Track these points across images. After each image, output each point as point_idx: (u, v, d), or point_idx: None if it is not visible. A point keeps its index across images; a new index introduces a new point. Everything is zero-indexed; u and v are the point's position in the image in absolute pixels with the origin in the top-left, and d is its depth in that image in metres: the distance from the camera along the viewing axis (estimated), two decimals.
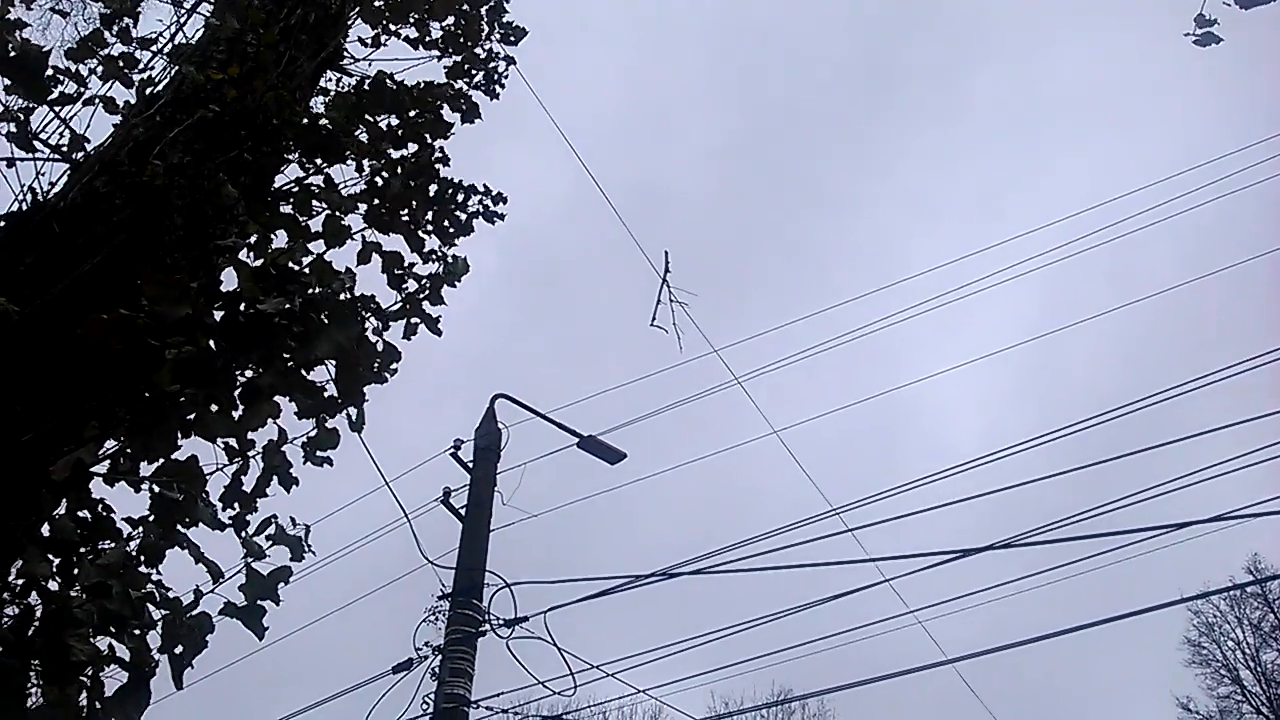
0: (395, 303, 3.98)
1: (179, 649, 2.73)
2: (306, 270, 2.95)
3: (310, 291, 2.77)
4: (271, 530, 3.22)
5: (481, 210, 4.44)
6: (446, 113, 4.48)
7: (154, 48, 3.62)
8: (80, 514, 2.70)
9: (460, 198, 4.37)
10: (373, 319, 3.62)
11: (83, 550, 2.66)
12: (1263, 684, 31.43)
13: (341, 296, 2.84)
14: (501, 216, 4.50)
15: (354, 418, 3.24)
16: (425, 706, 8.27)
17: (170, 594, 2.79)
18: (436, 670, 8.46)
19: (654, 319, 10.37)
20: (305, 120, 3.81)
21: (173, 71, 3.59)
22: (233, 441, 2.99)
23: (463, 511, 9.68)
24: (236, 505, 3.22)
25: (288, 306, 2.66)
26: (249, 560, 3.08)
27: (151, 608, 2.70)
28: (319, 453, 3.27)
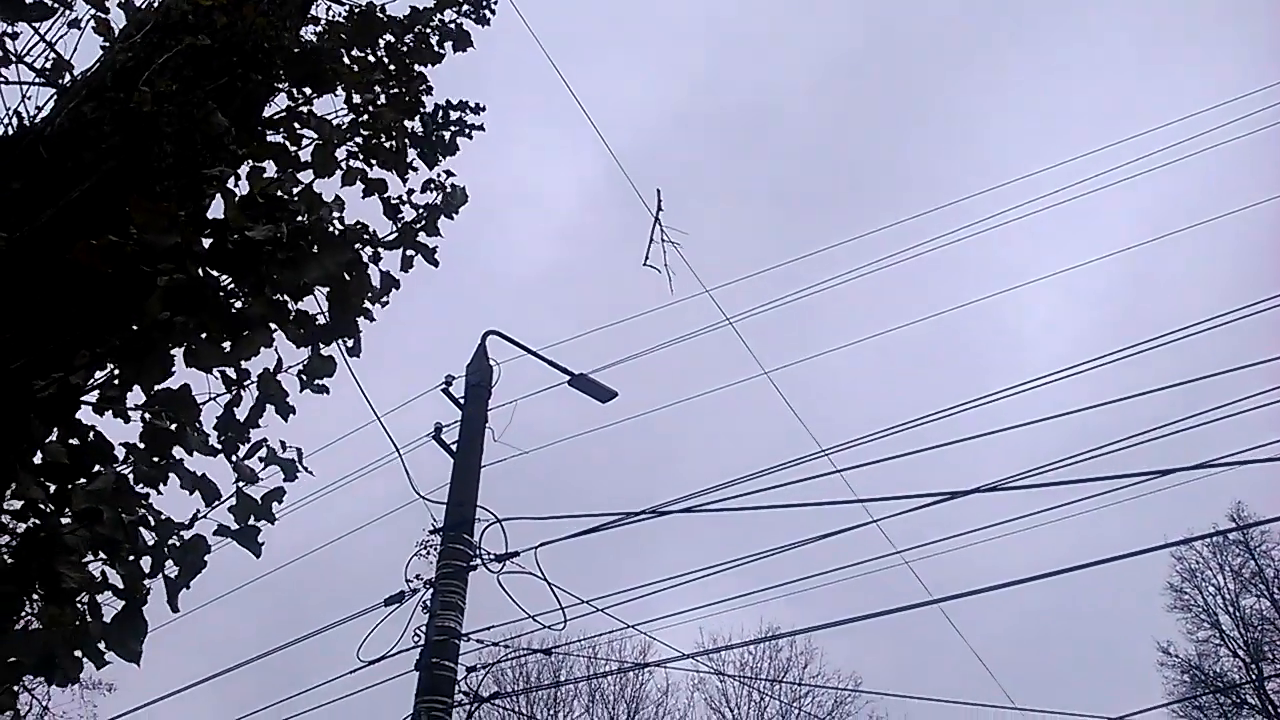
0: (390, 232, 3.96)
1: (174, 572, 2.75)
2: (295, 198, 2.92)
3: (299, 220, 2.76)
4: (263, 453, 3.23)
5: (460, 126, 4.42)
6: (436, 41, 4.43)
7: None
8: (71, 441, 2.71)
9: (441, 117, 4.35)
10: (367, 248, 3.60)
11: (78, 480, 2.67)
12: (1241, 628, 31.95)
13: (331, 225, 2.82)
14: (481, 128, 4.48)
15: (350, 345, 3.23)
16: (417, 639, 8.37)
17: (164, 517, 2.80)
18: (428, 603, 8.56)
19: (647, 258, 10.34)
20: (296, 49, 3.77)
21: None
22: (229, 371, 3.00)
23: (454, 447, 9.73)
24: (230, 433, 3.23)
25: (276, 235, 2.65)
26: (240, 484, 3.09)
27: (145, 532, 2.72)
28: (316, 380, 3.27)
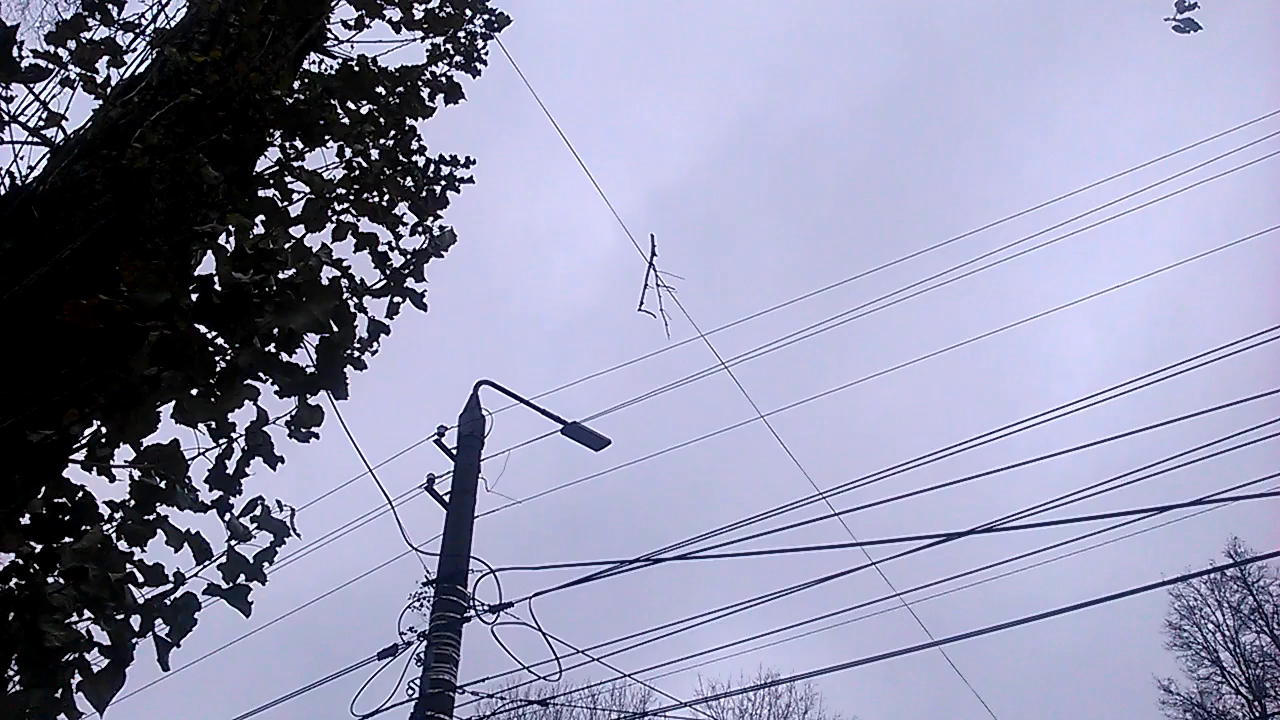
0: (378, 281, 3.98)
1: (164, 631, 2.72)
2: (285, 249, 2.94)
3: (289, 272, 2.76)
4: (257, 512, 3.21)
5: (448, 180, 4.46)
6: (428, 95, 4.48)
7: (135, 31, 3.59)
8: (59, 500, 2.69)
9: (432, 171, 4.39)
10: (353, 297, 3.61)
11: (65, 539, 2.65)
12: (1241, 665, 31.77)
13: (321, 276, 2.83)
14: (470, 180, 4.52)
15: (335, 392, 3.23)
16: (411, 692, 8.29)
17: (153, 565, 2.78)
18: (422, 656, 8.48)
19: (641, 303, 10.37)
20: (288, 101, 3.80)
21: (154, 54, 3.57)
22: (214, 424, 2.99)
23: (447, 498, 9.68)
24: (221, 489, 3.22)
25: (265, 286, 2.65)
26: (233, 543, 3.07)
27: (133, 590, 2.69)
28: (303, 430, 3.26)
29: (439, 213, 4.34)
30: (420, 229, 4.22)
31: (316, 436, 3.32)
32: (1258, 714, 30.35)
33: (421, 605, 8.92)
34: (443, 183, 4.46)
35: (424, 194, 4.34)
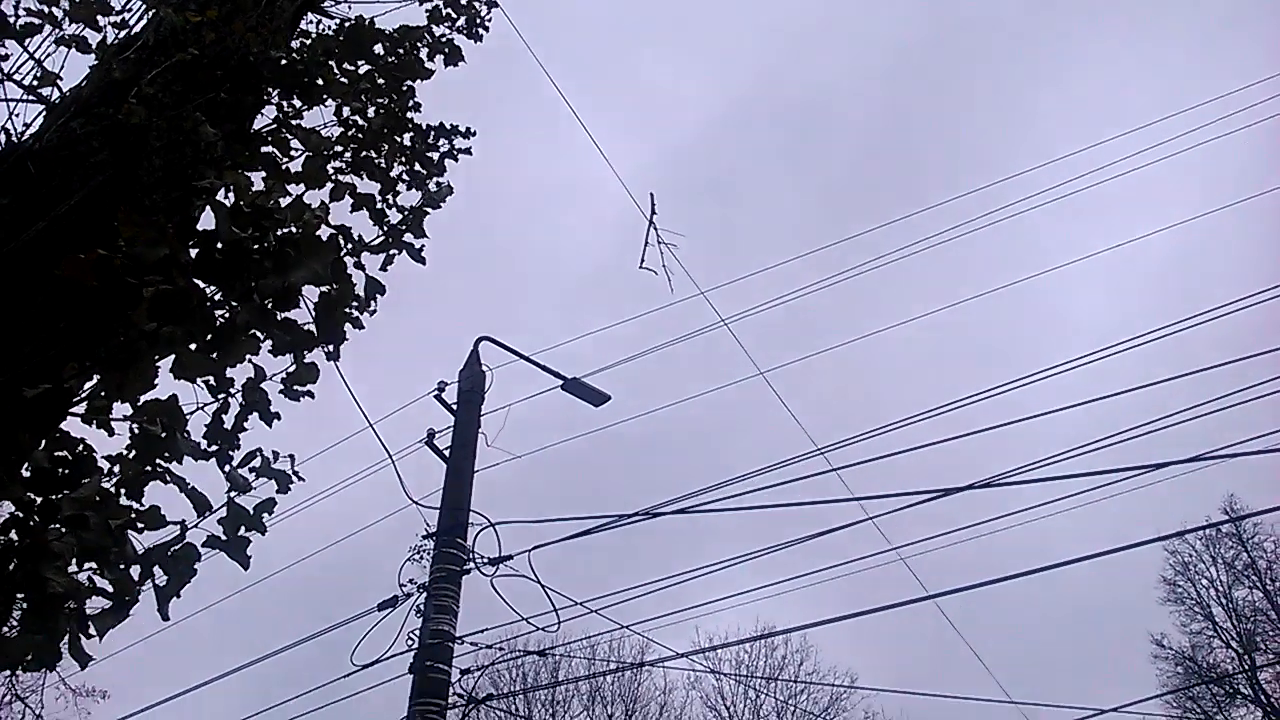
0: (376, 236, 4.01)
1: (163, 580, 2.78)
2: (283, 206, 2.96)
3: (287, 229, 2.79)
4: (257, 463, 3.26)
5: (450, 150, 4.47)
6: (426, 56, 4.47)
7: None
8: (59, 453, 2.74)
9: (431, 139, 4.39)
10: (351, 255, 3.64)
11: (65, 491, 2.70)
12: (1234, 620, 32.07)
13: (319, 232, 2.86)
14: (469, 152, 4.52)
15: (331, 349, 3.27)
16: (410, 642, 8.40)
17: (150, 507, 2.83)
18: (421, 607, 8.58)
19: (642, 261, 10.38)
20: (285, 61, 3.80)
21: (150, 14, 3.56)
22: (212, 380, 3.03)
23: (447, 453, 9.75)
24: (219, 443, 3.26)
25: (265, 245, 2.68)
26: (232, 494, 3.12)
27: (134, 537, 2.75)
28: (297, 388, 3.30)
29: (438, 180, 4.35)
30: (416, 186, 4.23)
31: (311, 395, 3.36)
32: (1247, 667, 30.72)
33: (421, 558, 9.02)
34: (441, 150, 4.45)
35: (422, 156, 4.34)
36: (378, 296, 3.72)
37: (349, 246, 3.74)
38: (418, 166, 4.34)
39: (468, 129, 4.57)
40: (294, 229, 2.85)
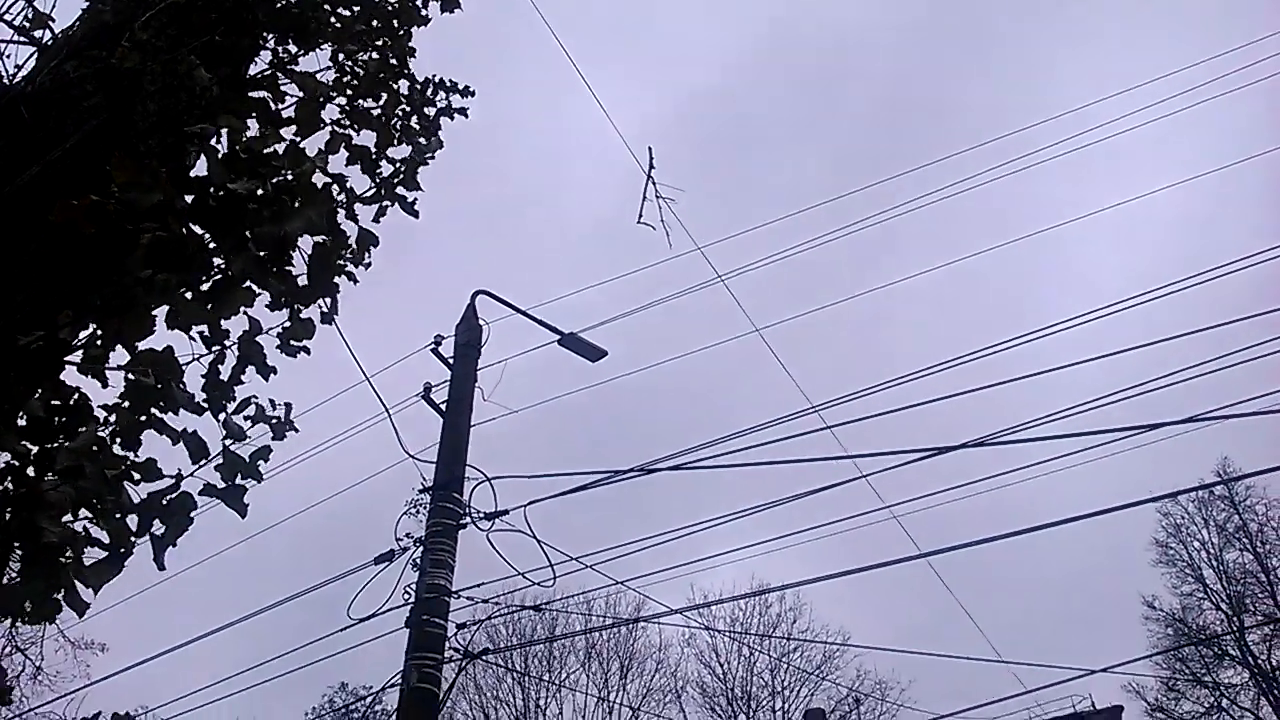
0: (369, 188, 3.96)
1: (160, 530, 2.77)
2: (280, 153, 2.92)
3: (283, 176, 2.75)
4: (251, 411, 3.24)
5: (447, 107, 4.40)
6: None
7: None
8: (55, 403, 2.71)
9: (430, 91, 4.33)
10: (344, 206, 3.59)
11: (61, 440, 2.68)
12: (1224, 582, 32.38)
13: (314, 179, 2.81)
14: (465, 113, 4.46)
15: (327, 307, 3.24)
16: (407, 596, 8.43)
17: (147, 460, 2.81)
18: (418, 561, 8.61)
19: (640, 216, 10.32)
20: (280, 4, 3.73)
21: None
22: (207, 330, 3.00)
23: (443, 407, 9.74)
24: (215, 393, 3.24)
25: (260, 192, 2.64)
26: (228, 442, 3.11)
27: (130, 487, 2.73)
28: (293, 343, 3.28)
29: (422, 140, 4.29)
30: (408, 140, 4.17)
31: (307, 351, 3.34)
32: (1236, 628, 31.02)
33: (418, 512, 9.04)
34: (438, 105, 4.39)
35: (420, 110, 4.28)
36: (371, 249, 3.69)
37: (342, 196, 3.70)
38: (413, 122, 4.27)
39: (466, 87, 4.49)
40: (289, 176, 2.81)
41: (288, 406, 3.33)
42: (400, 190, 4.06)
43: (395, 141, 4.11)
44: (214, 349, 3.19)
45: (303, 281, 2.94)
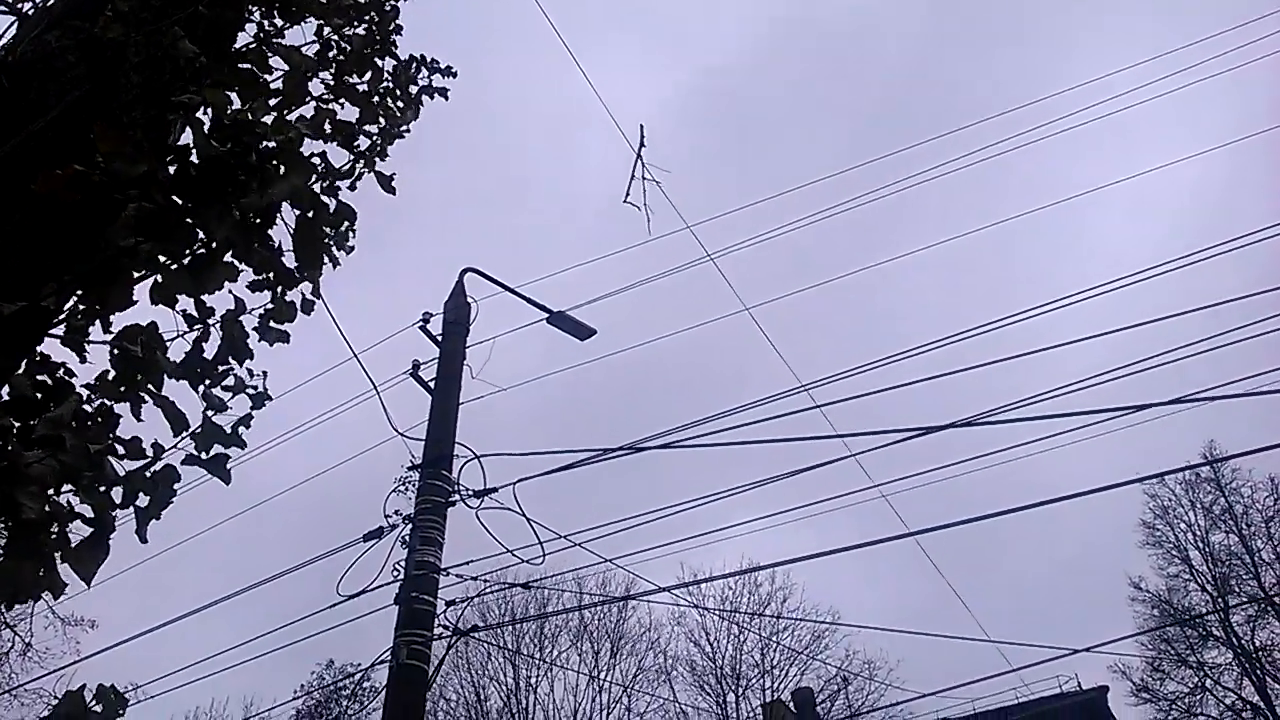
0: (346, 162, 3.94)
1: (144, 503, 2.76)
2: (265, 120, 2.90)
3: (266, 144, 2.73)
4: (230, 382, 3.23)
5: (429, 86, 4.38)
6: None
7: None
8: (39, 377, 2.70)
9: (412, 69, 4.30)
10: (325, 180, 3.58)
11: (45, 414, 2.67)
12: (1209, 563, 32.61)
13: (299, 146, 2.80)
14: (445, 94, 4.43)
15: (310, 292, 3.23)
16: (396, 573, 8.45)
17: (131, 438, 2.80)
18: (407, 538, 8.62)
19: (627, 195, 10.30)
20: None
21: None
22: (191, 309, 2.99)
23: (432, 384, 9.73)
24: (198, 370, 3.23)
25: (246, 160, 2.62)
26: (209, 413, 3.10)
27: (113, 461, 2.72)
28: (274, 325, 3.26)
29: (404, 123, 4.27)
30: (387, 118, 4.15)
31: (286, 338, 3.33)
32: (1220, 609, 31.26)
33: (406, 489, 9.04)
34: (419, 84, 4.36)
35: (404, 87, 4.26)
36: (353, 227, 3.67)
37: (322, 168, 3.67)
38: (395, 100, 4.25)
39: (448, 67, 4.47)
40: (274, 144, 2.80)
41: (264, 374, 3.32)
42: (378, 164, 4.04)
43: (377, 118, 4.09)
44: (196, 327, 3.17)
45: (290, 263, 2.93)
